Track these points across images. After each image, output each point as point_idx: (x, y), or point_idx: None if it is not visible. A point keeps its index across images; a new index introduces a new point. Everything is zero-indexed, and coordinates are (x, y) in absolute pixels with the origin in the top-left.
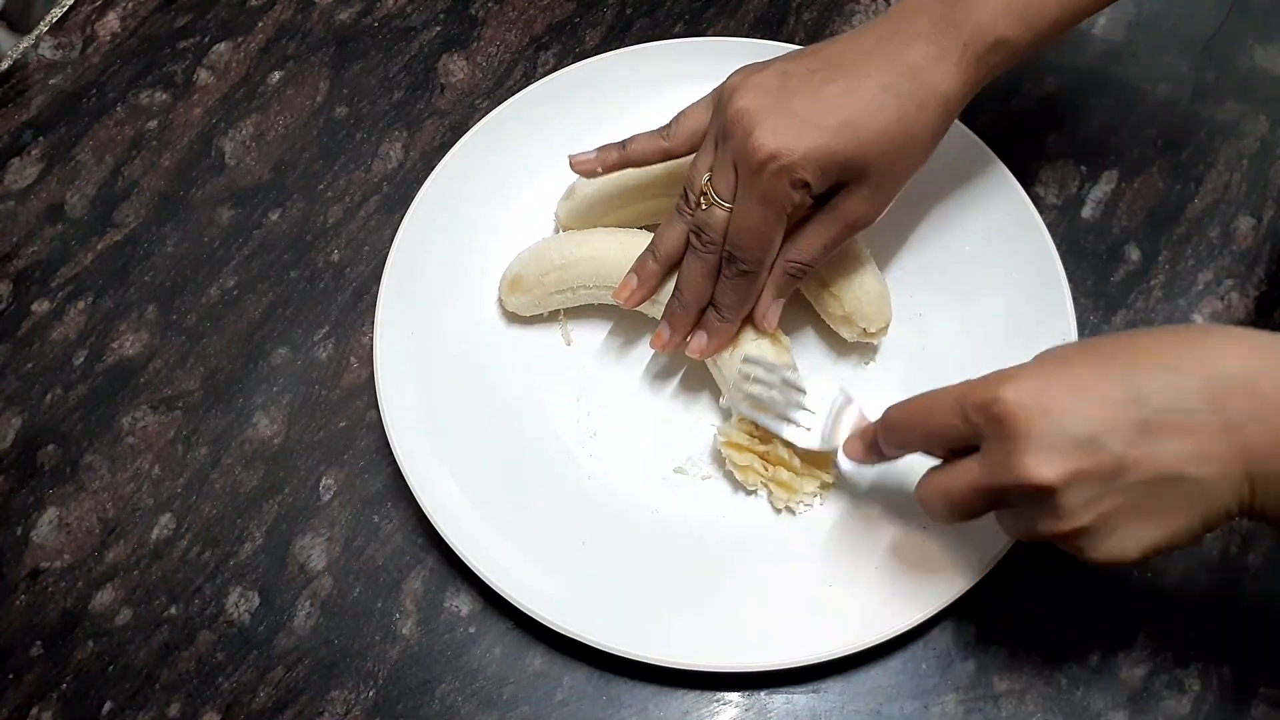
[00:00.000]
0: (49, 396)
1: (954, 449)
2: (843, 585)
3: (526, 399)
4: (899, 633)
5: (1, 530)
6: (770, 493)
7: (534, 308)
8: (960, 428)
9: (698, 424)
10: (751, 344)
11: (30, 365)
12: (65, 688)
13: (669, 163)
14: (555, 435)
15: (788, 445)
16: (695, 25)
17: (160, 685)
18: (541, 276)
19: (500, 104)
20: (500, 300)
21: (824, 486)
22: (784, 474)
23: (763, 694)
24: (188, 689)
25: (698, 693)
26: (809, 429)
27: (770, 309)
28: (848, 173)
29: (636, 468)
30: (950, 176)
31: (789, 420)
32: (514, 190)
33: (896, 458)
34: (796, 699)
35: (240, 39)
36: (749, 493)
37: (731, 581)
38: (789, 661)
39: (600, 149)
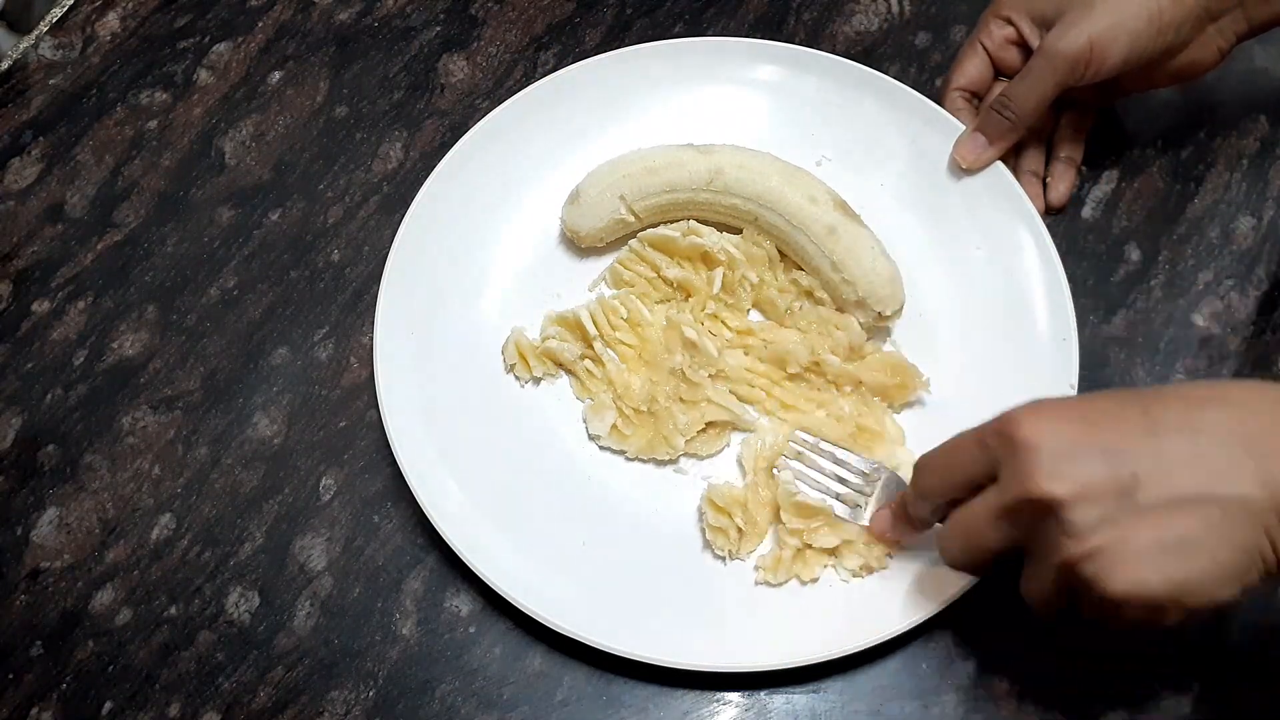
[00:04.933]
0: (49, 396)
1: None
2: (843, 585)
3: (526, 398)
4: (899, 633)
5: (1, 530)
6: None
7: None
8: (980, 458)
9: None
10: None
11: (30, 365)
12: (65, 688)
13: (672, 165)
14: (555, 435)
15: (837, 521)
16: (695, 25)
17: (160, 685)
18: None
19: (500, 104)
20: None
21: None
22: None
23: (763, 694)
24: (188, 689)
25: (698, 693)
26: (858, 506)
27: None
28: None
29: (636, 468)
30: (950, 177)
31: (837, 496)
32: (514, 190)
33: (926, 523)
34: (796, 699)
35: (240, 39)
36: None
37: (731, 581)
38: (789, 661)
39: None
